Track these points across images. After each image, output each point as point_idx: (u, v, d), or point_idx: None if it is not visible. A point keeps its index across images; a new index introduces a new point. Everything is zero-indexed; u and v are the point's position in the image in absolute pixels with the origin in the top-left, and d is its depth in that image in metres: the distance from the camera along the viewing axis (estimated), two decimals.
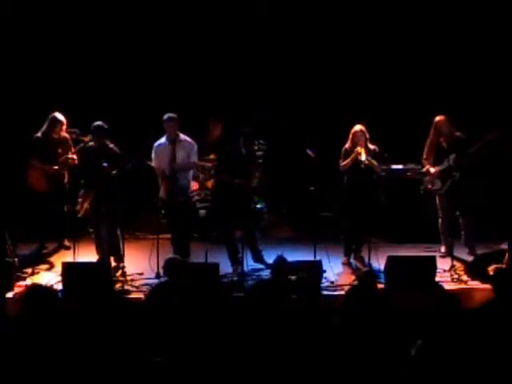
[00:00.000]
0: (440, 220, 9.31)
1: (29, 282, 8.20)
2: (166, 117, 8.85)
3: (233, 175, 8.76)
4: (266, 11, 10.94)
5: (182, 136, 8.91)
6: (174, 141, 8.86)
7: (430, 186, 9.23)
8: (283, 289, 7.04)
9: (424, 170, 9.25)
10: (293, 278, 7.11)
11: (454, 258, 8.86)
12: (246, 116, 10.34)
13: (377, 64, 11.01)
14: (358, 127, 8.97)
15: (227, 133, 10.40)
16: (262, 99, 10.98)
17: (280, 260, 7.29)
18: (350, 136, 9.01)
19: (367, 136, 8.97)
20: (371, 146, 8.99)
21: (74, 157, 9.16)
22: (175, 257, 7.60)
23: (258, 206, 9.98)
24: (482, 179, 9.46)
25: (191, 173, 9.32)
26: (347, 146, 9.03)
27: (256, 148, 8.93)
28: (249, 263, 8.85)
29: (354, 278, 8.36)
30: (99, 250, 8.92)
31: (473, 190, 9.12)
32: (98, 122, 8.72)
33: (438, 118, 9.08)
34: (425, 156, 9.24)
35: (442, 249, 9.34)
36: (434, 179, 9.16)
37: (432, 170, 9.15)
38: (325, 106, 11.00)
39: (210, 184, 10.33)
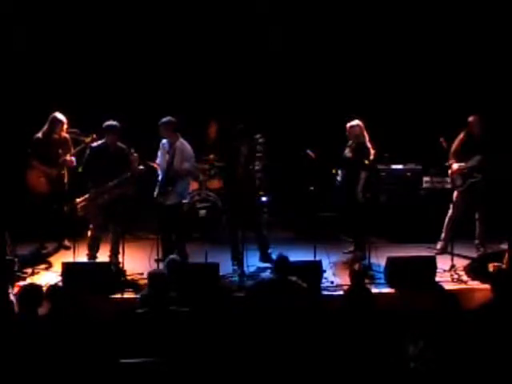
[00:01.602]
0: (449, 215, 9.30)
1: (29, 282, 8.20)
2: (160, 121, 8.88)
3: (232, 175, 8.77)
4: (265, 9, 10.95)
5: (180, 141, 8.93)
6: (172, 145, 8.88)
7: (450, 183, 9.26)
8: (283, 288, 7.04)
9: (448, 163, 9.28)
10: (293, 278, 7.10)
11: (453, 257, 8.87)
12: (245, 116, 10.33)
13: (377, 64, 11.03)
14: (352, 122, 9.06)
15: (224, 133, 10.38)
16: (262, 99, 10.98)
17: (281, 258, 7.28)
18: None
19: (363, 132, 9.00)
20: (367, 144, 9.03)
21: (73, 159, 9.17)
22: (175, 257, 7.65)
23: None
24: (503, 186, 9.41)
25: (189, 178, 9.31)
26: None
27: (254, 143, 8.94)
28: (249, 263, 8.84)
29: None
30: (94, 248, 8.89)
31: (491, 194, 9.10)
32: (112, 122, 8.73)
33: (470, 118, 9.14)
34: (452, 151, 9.27)
35: (438, 245, 9.36)
36: (456, 176, 9.18)
37: (455, 166, 9.17)
38: (325, 106, 11.01)
39: (211, 184, 10.31)
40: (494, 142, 9.05)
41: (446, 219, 9.32)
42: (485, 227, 9.25)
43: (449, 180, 9.40)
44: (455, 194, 9.27)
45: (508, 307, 5.92)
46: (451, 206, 9.30)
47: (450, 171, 9.26)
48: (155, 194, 8.92)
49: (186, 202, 9.20)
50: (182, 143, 8.93)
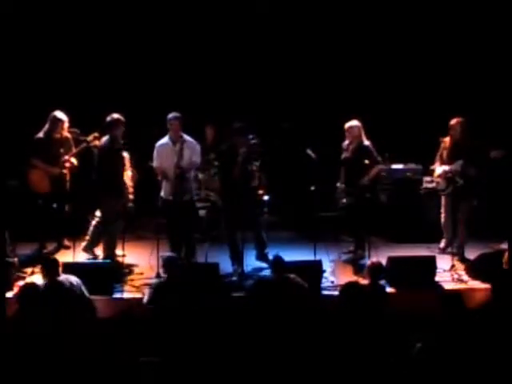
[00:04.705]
0: (442, 216, 9.29)
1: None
2: (170, 115, 8.83)
3: (229, 175, 8.77)
4: (265, 9, 10.95)
5: (186, 136, 8.91)
6: (179, 141, 8.84)
7: (433, 185, 9.24)
8: (282, 288, 7.05)
9: (432, 167, 9.26)
10: (291, 276, 7.13)
11: (453, 257, 8.87)
12: (244, 116, 10.34)
13: (378, 64, 11.03)
14: (350, 122, 9.05)
15: (222, 133, 10.38)
16: (262, 99, 10.98)
17: (278, 259, 7.40)
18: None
19: (362, 132, 9.01)
20: (366, 143, 9.03)
21: (73, 160, 9.17)
22: (173, 255, 7.68)
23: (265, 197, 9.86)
24: (484, 192, 9.34)
25: (192, 173, 9.33)
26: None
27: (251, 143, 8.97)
28: (249, 263, 8.84)
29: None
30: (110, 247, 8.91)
31: (473, 199, 9.05)
32: (116, 114, 8.79)
33: (452, 120, 9.05)
34: (438, 154, 9.23)
35: (442, 244, 9.36)
36: (440, 179, 9.16)
37: (439, 170, 9.14)
38: (325, 106, 11.01)
39: (211, 184, 10.30)
40: (477, 146, 8.93)
41: (442, 221, 9.30)
42: (466, 232, 9.11)
43: (433, 184, 9.31)
44: (443, 197, 9.23)
45: (507, 307, 5.93)
46: (442, 208, 9.28)
47: (434, 175, 9.21)
48: (162, 194, 8.88)
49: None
50: (188, 138, 8.91)
